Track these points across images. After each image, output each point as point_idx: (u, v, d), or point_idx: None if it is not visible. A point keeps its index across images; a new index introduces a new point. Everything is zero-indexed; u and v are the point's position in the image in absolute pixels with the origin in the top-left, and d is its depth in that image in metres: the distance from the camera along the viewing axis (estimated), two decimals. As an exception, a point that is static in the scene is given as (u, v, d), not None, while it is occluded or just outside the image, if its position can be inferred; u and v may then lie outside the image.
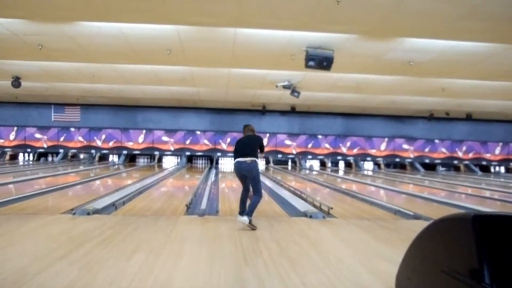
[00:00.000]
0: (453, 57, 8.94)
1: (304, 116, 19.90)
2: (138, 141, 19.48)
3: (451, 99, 14.78)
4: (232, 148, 5.73)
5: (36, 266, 3.15)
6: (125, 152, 19.56)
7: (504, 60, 8.95)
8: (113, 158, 20.28)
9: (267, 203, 7.13)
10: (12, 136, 19.01)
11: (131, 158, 20.36)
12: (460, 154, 21.09)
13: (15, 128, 18.98)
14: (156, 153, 19.70)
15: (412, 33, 7.53)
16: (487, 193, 10.74)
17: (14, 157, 20.03)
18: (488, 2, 5.81)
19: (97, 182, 10.93)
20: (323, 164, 21.13)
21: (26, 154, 20.06)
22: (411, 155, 20.85)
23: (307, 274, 3.17)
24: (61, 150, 19.35)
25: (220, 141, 19.75)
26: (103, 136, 19.33)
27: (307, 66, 8.41)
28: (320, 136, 20.36)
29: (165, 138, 19.59)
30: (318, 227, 5.07)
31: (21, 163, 18.44)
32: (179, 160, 19.83)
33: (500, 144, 21.19)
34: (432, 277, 1.48)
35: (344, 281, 3.01)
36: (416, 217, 5.92)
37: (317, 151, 20.38)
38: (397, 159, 20.86)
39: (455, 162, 21.22)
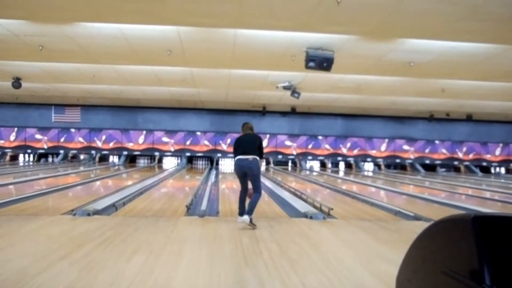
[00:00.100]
0: (453, 58, 8.94)
1: (304, 117, 19.91)
2: (138, 142, 19.49)
3: (451, 100, 14.78)
4: (232, 149, 5.71)
5: (36, 267, 3.15)
6: (125, 153, 19.57)
7: (504, 60, 8.95)
8: (114, 159, 20.28)
9: (267, 204, 7.13)
10: (12, 137, 19.02)
11: (131, 159, 20.37)
12: (460, 155, 21.08)
13: (16, 128, 18.99)
14: (157, 154, 19.71)
15: (412, 34, 7.53)
16: (488, 194, 10.73)
17: (14, 157, 20.04)
18: (488, 2, 5.81)
19: (98, 183, 10.93)
20: (323, 165, 21.11)
21: (27, 155, 20.06)
22: (412, 156, 20.84)
23: (307, 275, 3.16)
24: (62, 151, 19.36)
25: (221, 142, 19.74)
26: (104, 137, 19.34)
27: (308, 67, 8.41)
28: (320, 137, 20.35)
29: (165, 139, 19.59)
30: (318, 228, 5.06)
31: (21, 164, 18.45)
32: (179, 161, 19.83)
33: (501, 145, 21.19)
34: (432, 278, 1.48)
35: (344, 282, 3.01)
36: (417, 218, 5.92)
37: (318, 152, 20.38)
38: (398, 160, 20.85)
39: (456, 163, 21.21)
